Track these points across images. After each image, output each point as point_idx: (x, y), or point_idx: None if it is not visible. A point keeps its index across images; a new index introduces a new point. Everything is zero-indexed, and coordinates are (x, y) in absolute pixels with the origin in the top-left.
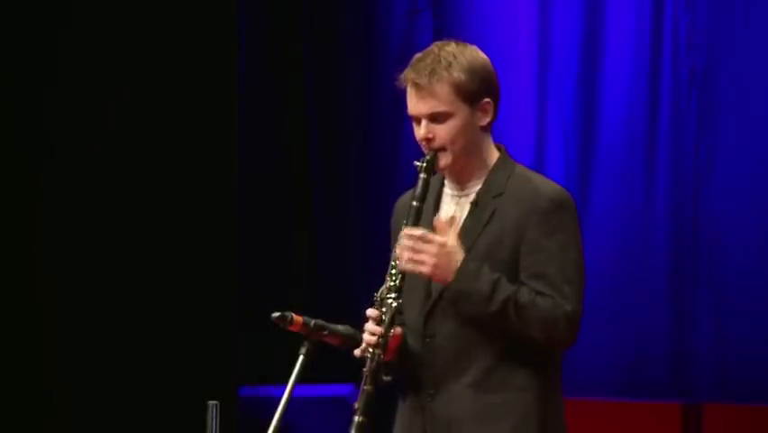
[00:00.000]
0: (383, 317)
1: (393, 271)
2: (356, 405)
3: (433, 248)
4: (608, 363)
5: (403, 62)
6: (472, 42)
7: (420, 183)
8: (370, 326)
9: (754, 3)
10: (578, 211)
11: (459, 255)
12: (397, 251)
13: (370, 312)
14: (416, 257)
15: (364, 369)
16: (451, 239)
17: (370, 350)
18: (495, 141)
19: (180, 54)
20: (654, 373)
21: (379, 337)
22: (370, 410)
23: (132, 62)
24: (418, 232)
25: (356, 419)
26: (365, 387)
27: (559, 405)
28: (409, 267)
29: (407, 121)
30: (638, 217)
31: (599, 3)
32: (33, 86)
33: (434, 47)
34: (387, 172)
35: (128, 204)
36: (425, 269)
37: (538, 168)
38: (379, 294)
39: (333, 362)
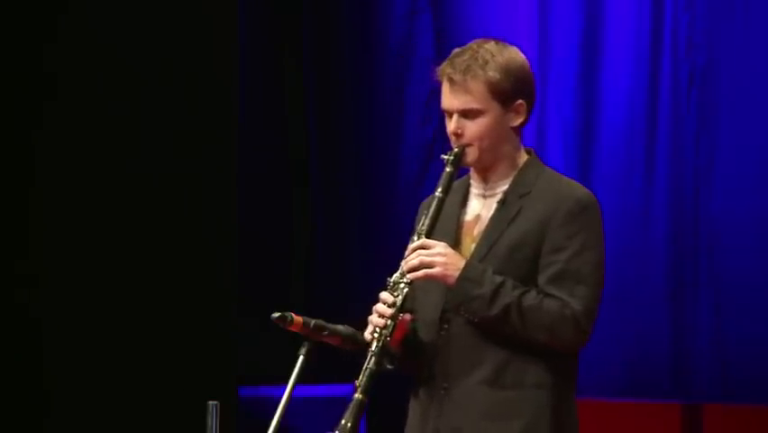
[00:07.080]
0: (396, 300)
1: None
2: (357, 382)
3: (439, 249)
4: (609, 362)
5: (403, 63)
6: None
7: (445, 176)
8: (380, 307)
9: (753, 3)
10: None
11: (462, 258)
12: (403, 264)
13: (383, 295)
14: (426, 260)
15: (370, 348)
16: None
17: (378, 330)
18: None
19: (180, 53)
20: (655, 373)
21: (387, 319)
22: (371, 390)
23: (132, 59)
24: (419, 242)
25: (356, 396)
26: (369, 366)
27: (572, 404)
28: (420, 274)
29: (407, 122)
30: (638, 217)
31: (599, 2)
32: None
33: (474, 43)
34: (386, 173)
35: (128, 203)
36: (437, 270)
37: None
38: (392, 279)
39: (333, 362)
